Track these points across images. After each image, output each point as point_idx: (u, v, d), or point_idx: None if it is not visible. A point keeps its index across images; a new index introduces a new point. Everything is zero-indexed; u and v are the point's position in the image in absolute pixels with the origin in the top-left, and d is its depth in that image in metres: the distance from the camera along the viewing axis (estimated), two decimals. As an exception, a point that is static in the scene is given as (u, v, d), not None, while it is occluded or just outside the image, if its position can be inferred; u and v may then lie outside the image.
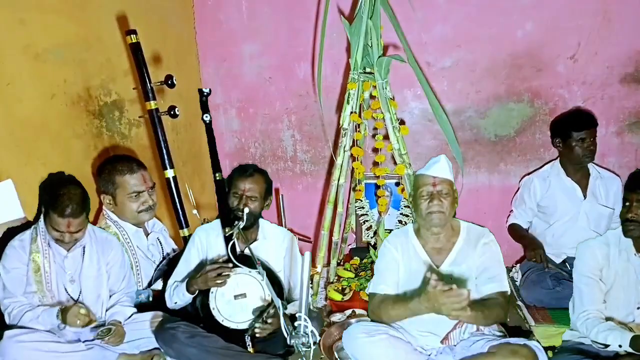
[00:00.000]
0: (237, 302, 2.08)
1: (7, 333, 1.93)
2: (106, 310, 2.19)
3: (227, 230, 2.08)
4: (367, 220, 3.21)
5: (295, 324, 1.73)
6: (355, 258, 3.20)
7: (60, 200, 1.99)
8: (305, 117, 3.36)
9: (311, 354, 1.80)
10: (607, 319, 2.01)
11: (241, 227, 2.06)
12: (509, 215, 3.05)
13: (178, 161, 2.81)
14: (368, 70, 2.88)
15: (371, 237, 3.19)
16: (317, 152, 3.44)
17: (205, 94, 2.33)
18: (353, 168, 3.00)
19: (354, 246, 3.34)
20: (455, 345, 2.03)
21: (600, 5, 2.84)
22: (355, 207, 3.20)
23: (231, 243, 2.08)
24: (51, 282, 2.07)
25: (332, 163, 3.16)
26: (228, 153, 3.57)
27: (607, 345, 1.92)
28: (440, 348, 2.05)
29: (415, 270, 2.10)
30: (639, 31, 2.82)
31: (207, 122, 2.29)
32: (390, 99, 2.86)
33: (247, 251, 2.04)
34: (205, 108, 2.31)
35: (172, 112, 2.47)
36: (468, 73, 3.10)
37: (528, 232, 2.97)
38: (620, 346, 1.88)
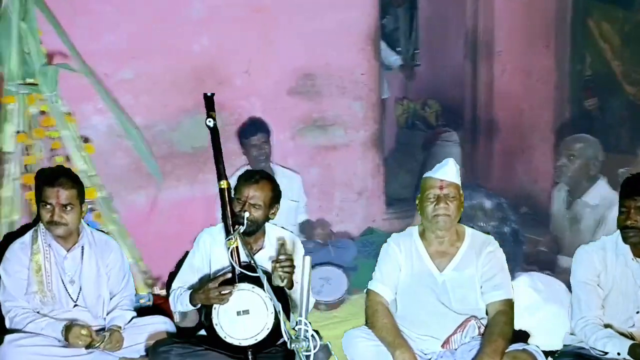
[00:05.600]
0: (239, 318, 2.03)
1: (7, 337, 2.00)
2: (107, 313, 2.21)
3: (228, 242, 2.02)
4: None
5: (296, 328, 1.70)
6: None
7: (51, 172, 2.14)
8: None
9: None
10: (607, 325, 2.00)
11: (241, 231, 2.02)
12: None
13: None
14: (29, 80, 2.46)
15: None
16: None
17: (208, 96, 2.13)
18: (28, 199, 2.50)
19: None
20: (455, 349, 2.01)
21: (261, 26, 3.24)
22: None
23: (235, 255, 2.02)
24: (51, 282, 2.12)
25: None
26: None
27: (606, 353, 1.92)
28: (441, 352, 2.02)
29: (418, 272, 2.08)
30: (293, 51, 3.36)
31: (211, 126, 2.09)
32: (66, 114, 2.53)
33: (251, 261, 1.99)
34: (209, 112, 2.10)
35: None
36: (151, 85, 3.04)
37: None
38: (618, 354, 1.88)
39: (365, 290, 2.19)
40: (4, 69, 2.42)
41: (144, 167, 2.92)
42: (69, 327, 2.05)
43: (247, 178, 2.19)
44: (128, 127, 2.65)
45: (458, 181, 2.10)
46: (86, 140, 2.74)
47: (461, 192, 2.11)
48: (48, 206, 2.08)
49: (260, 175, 2.22)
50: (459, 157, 4.18)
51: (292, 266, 2.01)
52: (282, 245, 2.18)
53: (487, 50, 4.08)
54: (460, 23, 4.25)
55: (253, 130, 3.09)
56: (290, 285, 2.04)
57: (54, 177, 2.10)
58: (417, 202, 2.18)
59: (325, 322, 2.67)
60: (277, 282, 1.99)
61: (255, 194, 2.14)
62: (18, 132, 2.46)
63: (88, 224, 2.55)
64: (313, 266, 2.86)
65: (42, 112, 2.54)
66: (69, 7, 2.60)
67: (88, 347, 2.04)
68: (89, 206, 2.76)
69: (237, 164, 3.24)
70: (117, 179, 2.99)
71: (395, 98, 4.75)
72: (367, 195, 3.76)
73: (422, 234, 2.16)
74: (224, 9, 3.11)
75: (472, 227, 2.24)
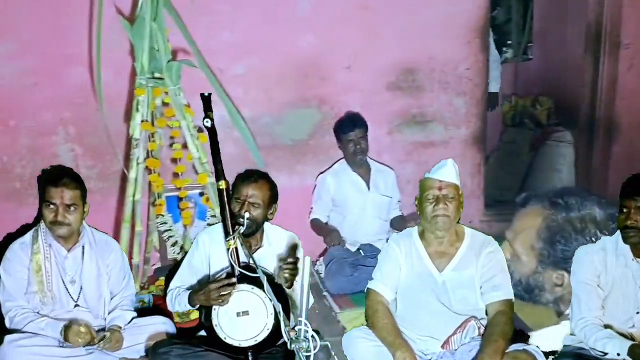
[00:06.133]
0: (239, 319, 2.01)
1: (7, 337, 1.96)
2: (108, 313, 2.19)
3: (227, 242, 2.01)
4: (171, 236, 3.01)
5: (296, 328, 1.68)
6: (161, 279, 2.96)
7: (55, 172, 2.12)
8: (86, 128, 2.95)
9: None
10: (607, 325, 2.00)
11: (241, 232, 2.01)
12: (310, 212, 3.26)
13: None
14: (157, 75, 2.71)
15: (178, 254, 3.00)
16: (105, 167, 3.06)
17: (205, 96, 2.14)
18: (150, 181, 2.79)
19: (159, 266, 3.09)
20: (455, 350, 2.02)
21: (365, 21, 3.26)
22: (157, 223, 2.97)
23: (234, 256, 2.01)
24: (52, 282, 2.09)
25: (124, 178, 2.87)
26: (-16, 175, 2.88)
27: (605, 353, 1.92)
28: (441, 352, 2.02)
29: (417, 273, 2.08)
30: (396, 45, 3.33)
31: (209, 126, 2.07)
32: (185, 105, 2.76)
33: (250, 261, 1.98)
34: (206, 112, 2.10)
35: None
36: (260, 80, 3.18)
37: (327, 225, 3.23)
38: (618, 354, 1.88)
39: (365, 289, 2.18)
40: (137, 64, 2.68)
41: (249, 156, 3.09)
42: (67, 326, 2.01)
43: (245, 177, 2.20)
44: (237, 119, 2.81)
45: (457, 182, 2.10)
46: (200, 130, 2.93)
47: (460, 192, 2.12)
48: (52, 206, 2.04)
49: (258, 175, 2.22)
50: (571, 159, 3.85)
51: (296, 269, 2.02)
52: (292, 248, 2.19)
53: (612, 44, 3.67)
54: (581, 13, 3.86)
55: (350, 126, 3.10)
56: (290, 285, 2.05)
57: (58, 177, 2.06)
58: (416, 202, 2.17)
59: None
60: (281, 281, 2.02)
61: (254, 192, 2.14)
62: (143, 120, 2.69)
63: (196, 205, 2.73)
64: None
65: (165, 104, 2.78)
66: (192, 8, 2.79)
67: (88, 344, 2.01)
68: (200, 191, 3.03)
69: (334, 157, 3.32)
70: (226, 166, 3.18)
71: (502, 94, 4.49)
72: (465, 195, 3.60)
73: (422, 235, 2.16)
74: (329, 6, 3.17)
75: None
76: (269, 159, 3.26)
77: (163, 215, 2.96)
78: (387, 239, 3.15)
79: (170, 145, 2.91)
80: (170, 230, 3.01)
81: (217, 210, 2.78)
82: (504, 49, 4.34)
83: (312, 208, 3.27)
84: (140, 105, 2.70)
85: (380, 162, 3.32)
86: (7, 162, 2.93)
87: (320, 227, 3.20)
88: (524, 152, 4.21)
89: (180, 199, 2.88)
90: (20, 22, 2.80)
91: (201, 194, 3.05)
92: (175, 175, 2.88)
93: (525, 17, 4.38)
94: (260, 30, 3.11)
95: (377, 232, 3.19)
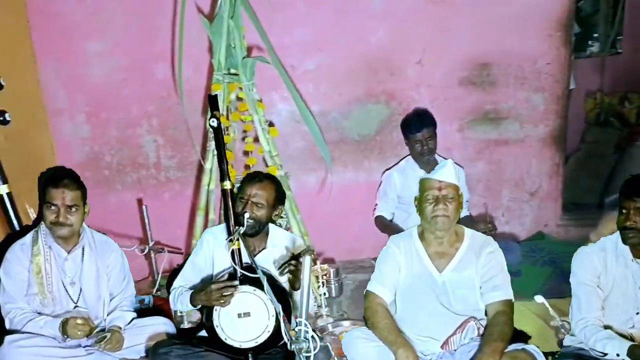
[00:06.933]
0: (240, 321, 2.01)
1: (7, 338, 1.95)
2: (107, 314, 2.18)
3: (228, 243, 2.01)
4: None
5: (296, 329, 1.68)
6: (231, 265, 3.09)
7: (55, 173, 2.08)
8: (168, 120, 3.15)
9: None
10: (607, 325, 2.00)
11: (241, 232, 2.00)
12: (375, 208, 3.26)
13: (14, 175, 2.42)
14: (233, 71, 2.83)
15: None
16: (184, 158, 3.26)
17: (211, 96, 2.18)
18: (223, 172, 2.91)
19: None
20: (455, 350, 2.02)
21: (439, 16, 3.18)
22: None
23: (236, 257, 2.01)
24: (52, 284, 2.09)
25: (200, 168, 3.04)
26: (79, 163, 3.17)
27: (605, 354, 1.92)
28: (440, 353, 2.03)
29: (417, 273, 2.09)
30: (470, 40, 3.23)
31: (215, 126, 2.06)
32: (258, 100, 2.85)
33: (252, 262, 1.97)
34: (212, 112, 2.11)
35: (1, 118, 2.19)
36: (330, 76, 3.22)
37: (392, 222, 3.20)
38: (618, 355, 1.88)
39: (364, 292, 2.15)
40: (215, 61, 2.81)
41: (317, 151, 3.15)
42: (65, 321, 2.01)
43: (250, 178, 2.20)
44: (306, 114, 2.86)
45: (457, 182, 2.09)
46: (271, 124, 3.04)
47: (460, 192, 2.11)
48: (53, 207, 2.03)
49: (264, 176, 2.22)
50: (663, 162, 3.53)
51: (298, 269, 2.02)
52: (294, 249, 2.18)
53: None
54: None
55: (418, 126, 2.99)
56: (293, 285, 2.07)
57: (59, 178, 2.04)
58: (415, 203, 2.16)
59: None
60: (283, 281, 2.03)
61: (258, 192, 2.13)
62: None
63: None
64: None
65: (239, 99, 2.90)
66: (267, 5, 2.88)
67: (88, 335, 2.01)
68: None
69: (401, 154, 3.28)
70: (294, 160, 3.29)
71: (585, 90, 4.20)
72: (541, 197, 3.44)
73: (422, 235, 2.15)
74: (401, 1, 3.13)
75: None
76: (335, 153, 3.30)
77: (234, 205, 3.09)
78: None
79: (243, 138, 3.03)
80: (240, 219, 3.13)
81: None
82: (590, 42, 4.05)
83: (376, 205, 3.26)
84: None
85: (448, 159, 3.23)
86: (97, 151, 3.21)
87: (384, 225, 3.18)
88: (608, 153, 3.92)
89: (250, 190, 2.99)
90: (113, 22, 3.04)
91: (270, 186, 3.15)
92: (247, 167, 2.98)
93: (616, 8, 4.05)
94: (332, 26, 3.15)
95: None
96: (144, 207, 3.01)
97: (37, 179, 2.15)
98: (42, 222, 2.09)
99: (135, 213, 3.22)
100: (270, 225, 2.26)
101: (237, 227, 2.02)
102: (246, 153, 2.98)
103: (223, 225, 2.20)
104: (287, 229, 3.11)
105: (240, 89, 2.84)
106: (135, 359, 2.13)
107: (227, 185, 2.07)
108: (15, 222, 2.25)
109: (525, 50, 3.26)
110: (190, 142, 3.09)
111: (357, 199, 3.35)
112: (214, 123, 2.07)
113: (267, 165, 2.89)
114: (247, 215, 2.07)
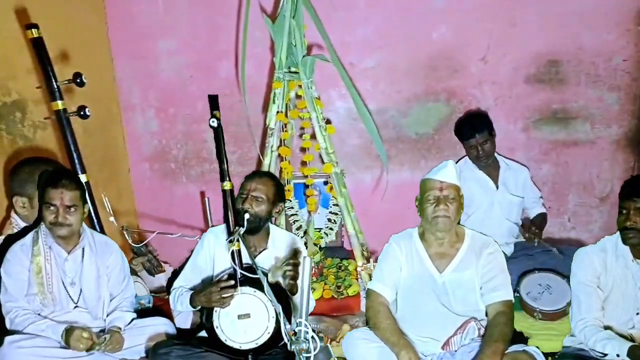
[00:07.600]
0: (240, 322, 2.01)
1: (7, 339, 1.95)
2: (107, 315, 2.19)
3: (229, 244, 2.01)
4: (297, 220, 3.20)
5: (296, 329, 1.69)
6: (286, 259, 3.17)
7: (54, 174, 2.06)
8: (230, 117, 3.27)
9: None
10: (607, 326, 2.00)
11: (242, 232, 2.00)
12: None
13: (91, 166, 2.62)
14: (293, 69, 2.88)
15: (301, 237, 3.18)
16: (244, 153, 3.37)
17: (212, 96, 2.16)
18: (281, 168, 2.97)
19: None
20: (455, 351, 2.03)
21: (505, 10, 3.07)
22: (285, 207, 3.18)
23: (236, 258, 2.01)
24: (52, 284, 2.09)
25: (259, 164, 3.12)
26: (148, 156, 3.38)
27: (605, 354, 1.92)
28: (441, 354, 2.04)
29: (418, 274, 2.09)
30: (538, 35, 3.09)
31: (215, 126, 2.06)
32: (316, 98, 2.88)
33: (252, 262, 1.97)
34: (213, 111, 2.12)
35: (81, 113, 2.33)
36: (389, 73, 3.20)
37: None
38: (618, 355, 1.88)
39: (365, 290, 2.08)
40: (276, 59, 2.87)
41: (373, 149, 3.14)
42: (69, 330, 2.00)
43: (251, 175, 2.25)
44: (364, 111, 2.86)
45: (458, 183, 2.08)
46: (328, 121, 3.05)
47: (461, 193, 2.09)
48: (52, 207, 2.03)
49: (264, 173, 2.28)
50: None
51: (297, 272, 2.02)
52: (293, 250, 2.15)
53: None
54: None
55: (470, 132, 2.87)
56: (292, 289, 2.03)
57: (57, 179, 2.03)
58: (416, 203, 2.15)
59: (540, 332, 2.47)
60: (279, 278, 2.00)
61: (258, 186, 2.15)
62: (278, 112, 2.86)
63: (320, 193, 2.78)
64: (533, 270, 2.69)
65: (298, 96, 2.94)
66: (328, 4, 2.91)
67: (89, 349, 2.00)
68: (325, 180, 3.16)
69: (460, 153, 3.19)
70: (350, 158, 3.31)
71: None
72: (612, 202, 3.23)
73: (422, 236, 2.15)
74: (465, -4, 3.06)
75: None
76: (392, 152, 3.27)
77: (290, 201, 3.17)
78: (514, 244, 2.98)
79: (300, 135, 3.09)
80: (296, 215, 3.20)
81: (339, 199, 2.91)
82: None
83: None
84: (277, 98, 2.89)
85: (510, 159, 3.10)
86: (165, 144, 3.40)
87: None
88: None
89: (306, 186, 3.04)
90: (181, 22, 3.20)
91: (325, 183, 3.19)
92: (303, 163, 3.04)
93: None
94: (393, 24, 3.12)
95: (505, 234, 2.96)
96: (206, 199, 3.13)
97: (37, 179, 2.14)
98: (42, 223, 2.09)
99: (198, 205, 3.38)
100: (271, 226, 2.28)
101: (237, 228, 2.01)
102: (303, 150, 3.03)
103: (224, 225, 2.20)
104: (342, 225, 3.15)
105: (300, 86, 2.88)
106: None
107: (227, 185, 2.06)
108: (91, 208, 2.43)
109: (599, 46, 3.06)
110: (250, 138, 3.19)
111: (412, 199, 3.29)
112: (214, 123, 2.05)
113: (322, 162, 2.93)
114: (247, 216, 2.08)
